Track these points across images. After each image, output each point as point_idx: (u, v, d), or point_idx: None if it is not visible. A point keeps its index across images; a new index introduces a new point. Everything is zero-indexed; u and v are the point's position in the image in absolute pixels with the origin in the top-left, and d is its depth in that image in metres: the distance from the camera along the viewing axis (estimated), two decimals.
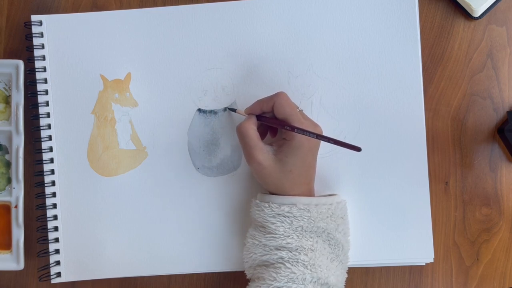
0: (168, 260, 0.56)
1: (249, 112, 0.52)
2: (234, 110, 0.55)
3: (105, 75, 0.56)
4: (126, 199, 0.56)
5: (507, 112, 0.55)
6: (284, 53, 0.55)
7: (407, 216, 0.54)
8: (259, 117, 0.51)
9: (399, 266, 0.56)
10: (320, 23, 0.55)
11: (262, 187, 0.54)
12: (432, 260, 0.55)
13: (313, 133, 0.47)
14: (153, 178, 0.56)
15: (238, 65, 0.56)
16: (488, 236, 0.56)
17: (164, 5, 0.57)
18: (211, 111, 0.56)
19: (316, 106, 0.55)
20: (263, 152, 0.49)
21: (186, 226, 0.56)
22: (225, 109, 0.56)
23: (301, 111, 0.52)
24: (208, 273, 0.57)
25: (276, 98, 0.49)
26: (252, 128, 0.50)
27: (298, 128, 0.48)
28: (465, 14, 0.56)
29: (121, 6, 0.58)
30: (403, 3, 0.55)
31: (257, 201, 0.50)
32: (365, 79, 0.55)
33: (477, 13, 0.55)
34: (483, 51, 0.56)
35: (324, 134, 0.54)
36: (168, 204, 0.56)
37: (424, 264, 0.55)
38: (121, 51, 0.56)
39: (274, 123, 0.50)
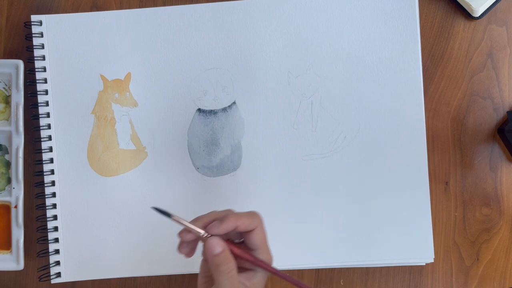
0: (168, 260, 0.56)
1: (222, 230, 0.41)
2: (168, 215, 0.41)
3: (105, 75, 0.56)
4: (126, 199, 0.56)
5: (507, 112, 0.55)
6: (284, 53, 0.55)
7: (407, 216, 0.54)
8: (229, 244, 0.42)
9: (399, 266, 0.56)
10: (320, 23, 0.55)
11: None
12: (432, 260, 0.55)
13: (289, 278, 0.42)
14: (153, 178, 0.56)
15: (238, 65, 0.56)
16: (488, 236, 0.56)
17: (164, 5, 0.57)
18: (211, 111, 0.56)
19: (316, 106, 0.55)
20: None
21: None
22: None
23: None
24: None
25: (260, 224, 0.42)
26: (232, 263, 0.40)
27: (279, 274, 0.42)
28: (465, 14, 0.56)
29: (121, 6, 0.58)
30: (403, 3, 0.55)
31: None
32: (365, 79, 0.55)
33: (477, 13, 0.55)
34: (483, 51, 0.56)
35: (324, 134, 0.55)
36: (168, 204, 0.56)
37: (424, 264, 0.55)
38: (121, 51, 0.56)
39: (255, 262, 0.42)
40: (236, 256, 0.42)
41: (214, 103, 0.56)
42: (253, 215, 0.43)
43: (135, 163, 0.56)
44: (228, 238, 0.43)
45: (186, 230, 0.42)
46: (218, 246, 0.40)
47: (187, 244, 0.43)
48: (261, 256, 0.42)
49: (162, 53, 0.56)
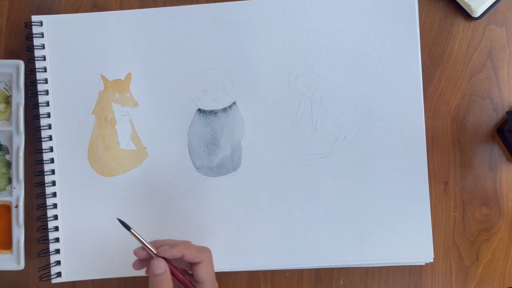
0: None
1: (169, 254, 0.45)
2: (128, 228, 0.46)
3: (106, 75, 0.56)
4: (126, 199, 0.56)
5: (507, 112, 0.55)
6: (284, 53, 0.56)
7: (407, 216, 0.55)
8: (175, 270, 0.46)
9: (398, 266, 0.56)
10: (320, 23, 0.55)
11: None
12: (431, 260, 0.55)
13: None
14: (153, 178, 0.56)
15: (238, 65, 0.56)
16: (487, 236, 0.56)
17: (164, 5, 0.57)
18: (211, 111, 0.56)
19: (316, 106, 0.55)
20: None
21: (186, 226, 0.56)
22: (219, 110, 0.56)
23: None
24: None
25: (206, 259, 0.46)
26: (169, 286, 0.44)
27: None
28: (465, 14, 0.56)
29: (121, 6, 0.58)
30: (403, 3, 0.55)
31: None
32: (365, 79, 0.55)
33: (476, 13, 0.55)
34: (483, 51, 0.56)
35: (324, 134, 0.55)
36: (168, 204, 0.56)
37: (423, 264, 0.56)
38: (121, 51, 0.56)
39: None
40: (179, 281, 0.46)
41: (214, 103, 0.56)
42: (203, 249, 0.47)
43: (135, 163, 0.56)
44: (182, 268, 0.47)
45: (141, 248, 0.46)
46: (160, 267, 0.44)
47: (140, 262, 0.47)
48: None
49: (162, 53, 0.56)
